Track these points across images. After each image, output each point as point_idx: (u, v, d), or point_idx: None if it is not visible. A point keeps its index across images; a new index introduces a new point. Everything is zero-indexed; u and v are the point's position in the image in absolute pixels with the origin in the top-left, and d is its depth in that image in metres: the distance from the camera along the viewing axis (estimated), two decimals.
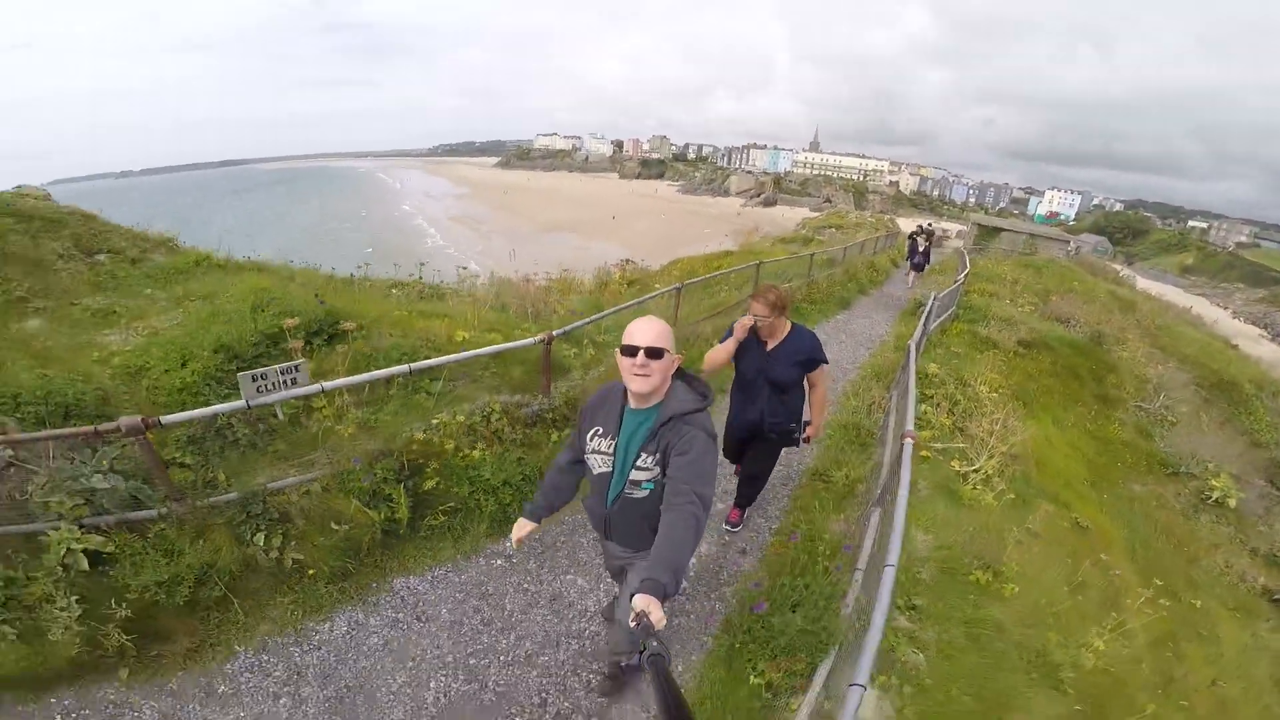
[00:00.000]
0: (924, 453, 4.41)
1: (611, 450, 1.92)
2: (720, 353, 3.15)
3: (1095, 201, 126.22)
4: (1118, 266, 32.34)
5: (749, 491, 3.72)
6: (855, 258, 14.44)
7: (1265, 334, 46.66)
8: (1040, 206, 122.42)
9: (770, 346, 3.15)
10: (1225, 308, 53.85)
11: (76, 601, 2.32)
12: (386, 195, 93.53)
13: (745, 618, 2.80)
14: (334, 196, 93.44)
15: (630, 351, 1.76)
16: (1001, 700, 2.65)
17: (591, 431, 1.97)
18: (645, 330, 1.77)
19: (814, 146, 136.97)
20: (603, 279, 9.11)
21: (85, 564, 2.38)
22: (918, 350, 5.44)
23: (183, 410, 2.96)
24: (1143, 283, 29.22)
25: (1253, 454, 7.61)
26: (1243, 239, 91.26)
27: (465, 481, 3.42)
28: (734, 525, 3.75)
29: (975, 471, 4.44)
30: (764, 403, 3.20)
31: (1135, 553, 5.01)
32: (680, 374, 1.91)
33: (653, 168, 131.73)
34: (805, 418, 3.30)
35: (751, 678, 2.54)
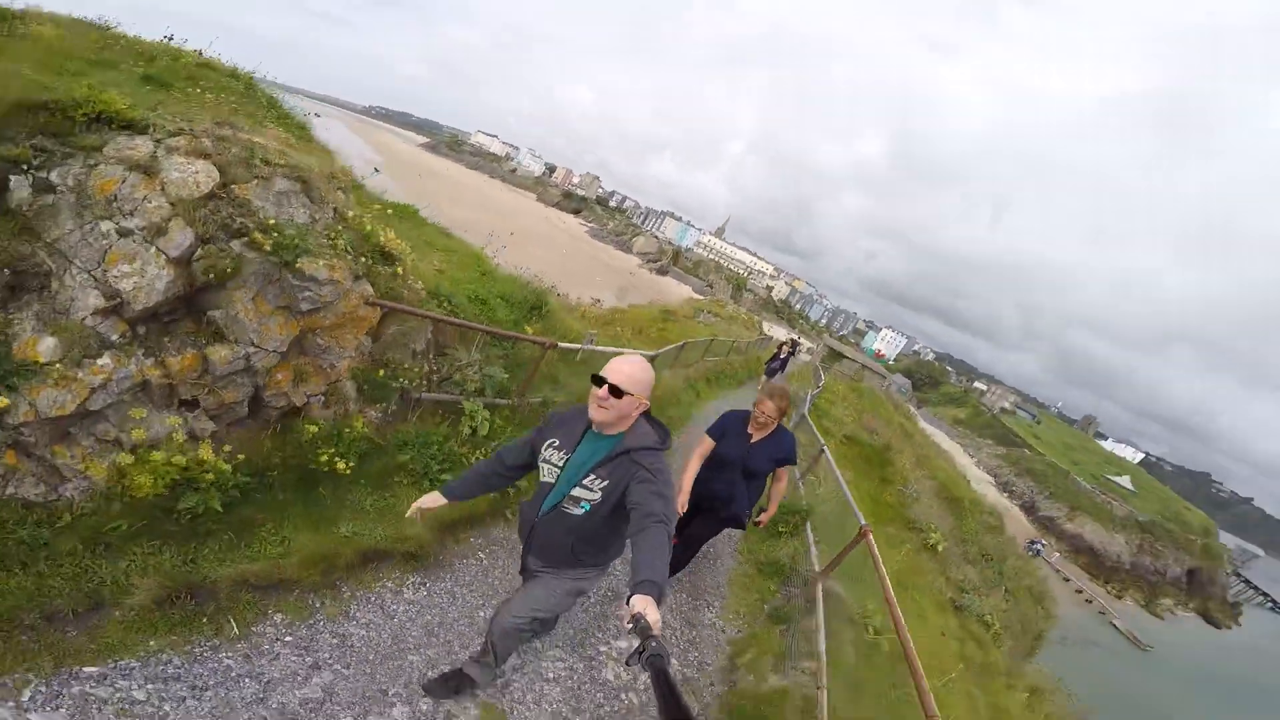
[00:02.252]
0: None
1: (561, 464, 2.01)
2: (692, 468, 3.45)
3: (915, 348, 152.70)
4: (910, 407, 41.19)
5: (685, 556, 3.94)
6: (749, 350, 18.75)
7: (992, 481, 60.80)
8: (875, 342, 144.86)
9: (755, 439, 3.44)
10: (973, 457, 68.55)
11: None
12: None
13: None
14: None
15: (599, 382, 1.87)
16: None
17: (549, 443, 2.06)
18: (619, 370, 1.88)
19: (719, 233, 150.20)
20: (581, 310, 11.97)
21: (486, 430, 4.59)
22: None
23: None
24: (923, 424, 37.33)
25: (955, 529, 12.46)
26: (1006, 405, 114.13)
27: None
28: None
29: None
30: (737, 486, 3.46)
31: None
32: (647, 416, 2.03)
33: (573, 201, 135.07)
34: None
35: None
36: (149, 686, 2.12)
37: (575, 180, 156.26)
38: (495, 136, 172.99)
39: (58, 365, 2.45)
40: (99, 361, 2.55)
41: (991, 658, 8.05)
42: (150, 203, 2.79)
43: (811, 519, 5.77)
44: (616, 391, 1.85)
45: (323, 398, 3.52)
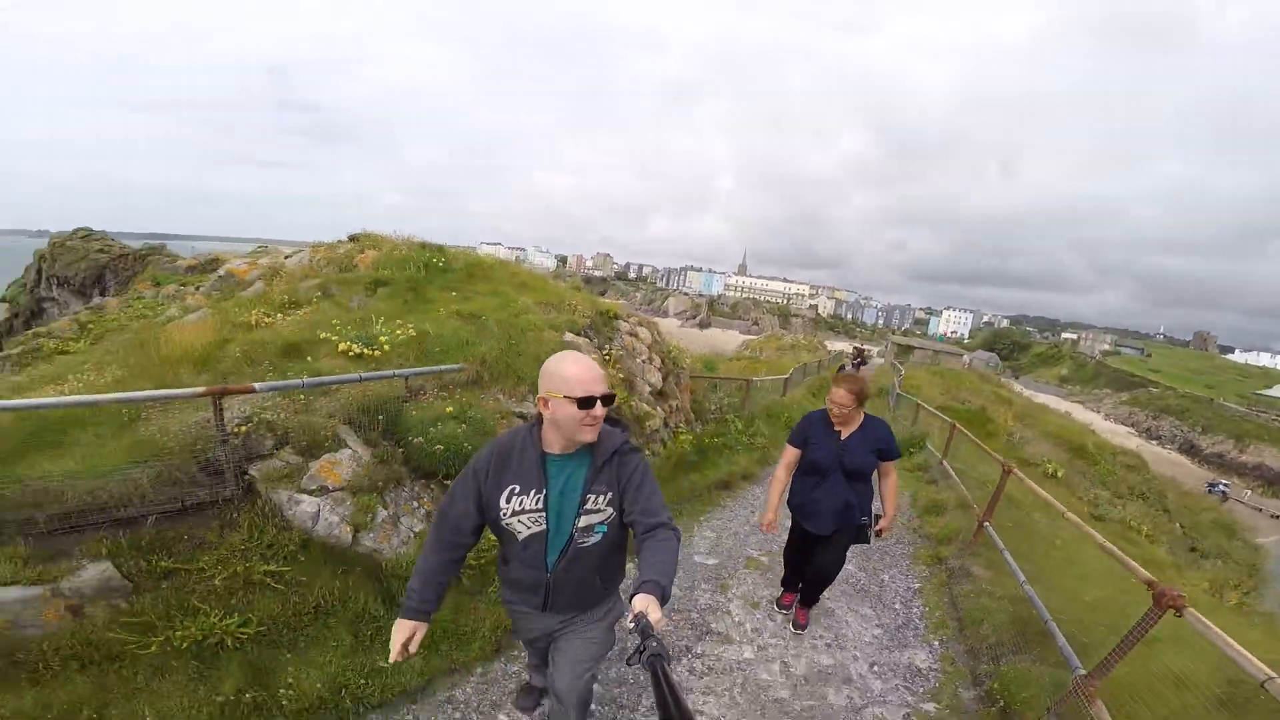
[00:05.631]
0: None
1: (541, 506, 1.80)
2: (780, 479, 3.37)
3: (985, 319, 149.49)
4: (1007, 379, 41.80)
5: (816, 590, 3.69)
6: (833, 364, 21.75)
7: (1134, 431, 58.41)
8: (940, 325, 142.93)
9: (845, 435, 3.21)
10: (1098, 411, 66.23)
11: None
12: None
13: None
14: None
15: (589, 403, 1.69)
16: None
17: (506, 492, 1.80)
18: (598, 377, 1.72)
19: (742, 269, 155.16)
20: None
21: (741, 426, 8.15)
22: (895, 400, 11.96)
23: None
24: (1027, 392, 36.08)
25: (1088, 471, 14.57)
26: (1105, 347, 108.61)
27: None
28: (799, 625, 3.71)
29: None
30: (844, 493, 3.21)
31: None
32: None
33: (595, 285, 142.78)
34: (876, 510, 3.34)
35: None
36: None
37: (589, 264, 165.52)
38: (499, 244, 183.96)
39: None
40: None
41: (1151, 554, 8.49)
42: (642, 348, 6.51)
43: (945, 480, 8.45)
44: (609, 400, 1.74)
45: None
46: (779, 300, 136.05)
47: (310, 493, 3.37)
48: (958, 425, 7.00)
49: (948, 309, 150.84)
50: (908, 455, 8.73)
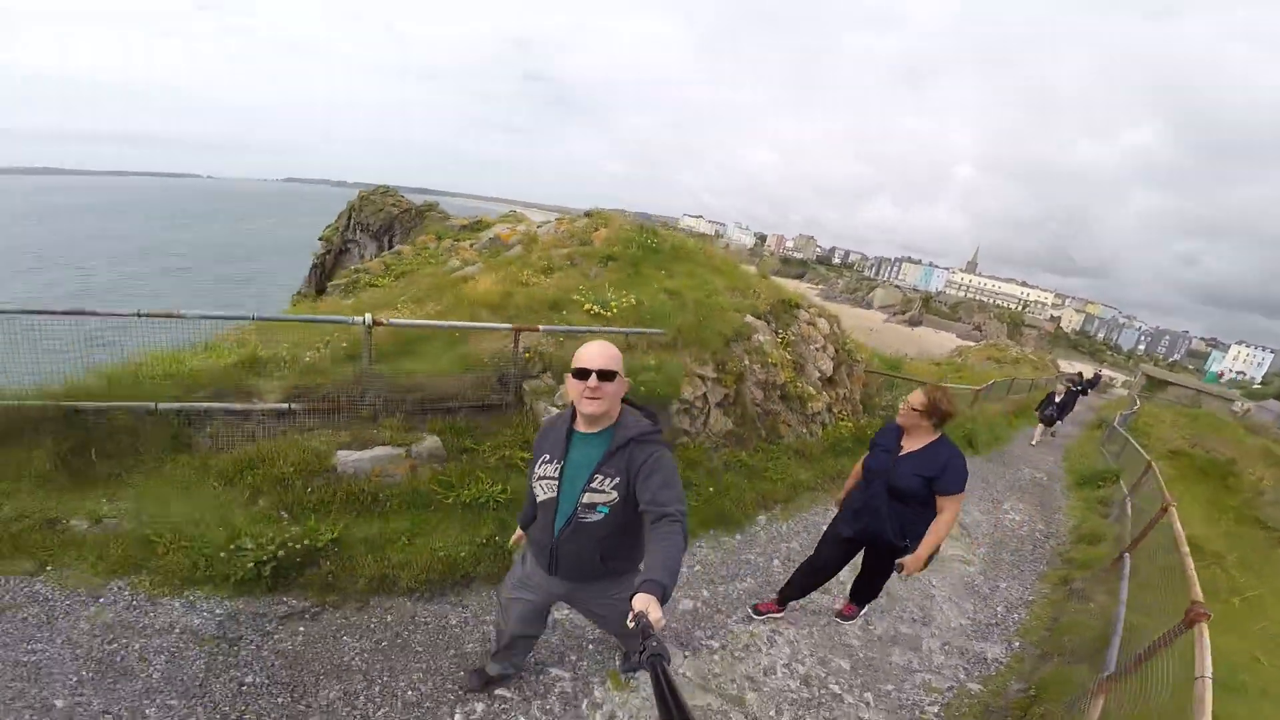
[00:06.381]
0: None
1: (557, 475, 2.04)
2: (855, 473, 3.50)
3: None
4: None
5: (869, 589, 3.75)
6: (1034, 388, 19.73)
7: None
8: (1223, 362, 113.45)
9: (905, 450, 3.09)
10: None
11: None
12: None
13: None
14: None
15: (583, 374, 1.90)
16: None
17: (540, 459, 2.11)
18: (597, 354, 1.92)
19: (971, 266, 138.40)
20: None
21: None
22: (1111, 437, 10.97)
23: None
24: None
25: None
26: None
27: None
28: (848, 616, 3.87)
29: None
30: (880, 504, 3.13)
31: None
32: (628, 401, 2.09)
33: (793, 267, 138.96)
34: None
35: None
36: None
37: (789, 244, 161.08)
38: (700, 217, 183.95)
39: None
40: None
41: None
42: (817, 337, 7.60)
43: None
44: (607, 375, 1.90)
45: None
46: (1013, 305, 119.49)
47: (558, 406, 5.03)
48: (1153, 464, 6.70)
49: (1239, 344, 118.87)
50: (1094, 487, 8.35)
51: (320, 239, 29.44)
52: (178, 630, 3.01)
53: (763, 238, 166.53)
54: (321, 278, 24.41)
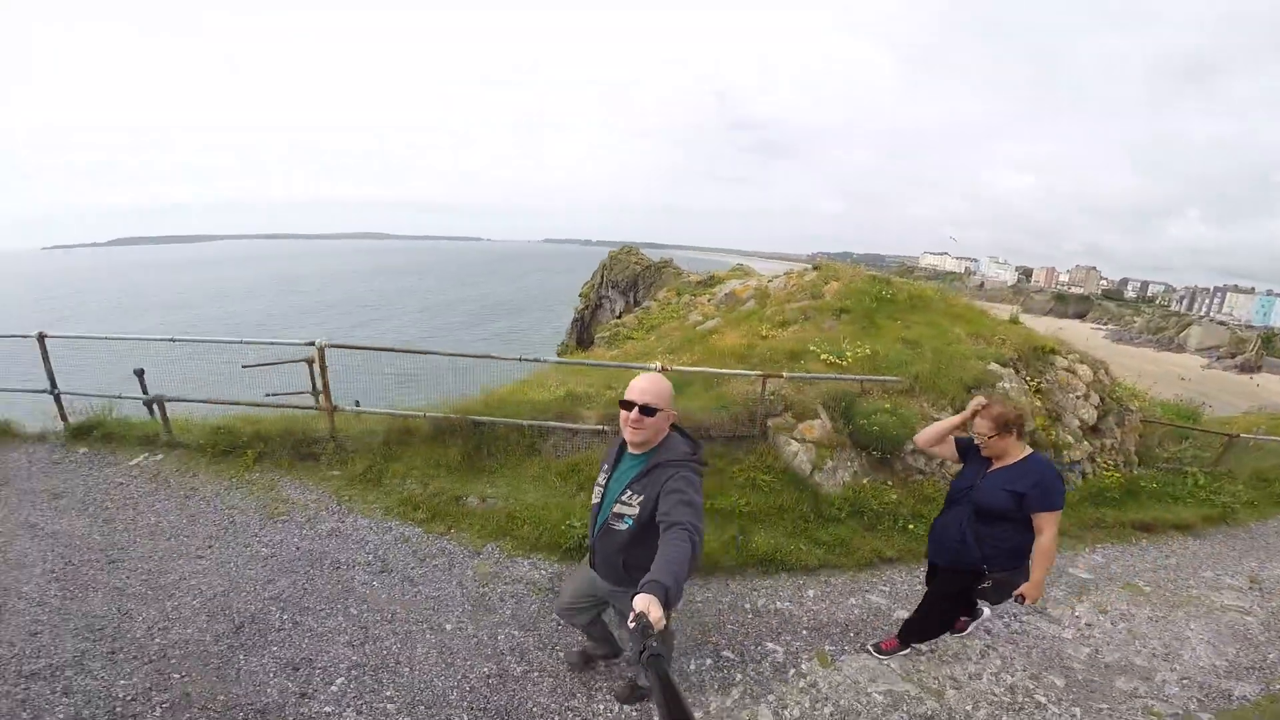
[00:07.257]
0: None
1: (604, 484, 2.38)
2: (933, 430, 3.16)
3: None
4: None
5: (912, 621, 3.55)
6: None
7: None
8: None
9: (994, 467, 2.95)
10: None
11: None
12: None
13: None
14: None
15: (627, 405, 2.15)
16: None
17: (602, 468, 2.47)
18: (644, 389, 2.15)
19: None
20: None
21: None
22: None
23: None
24: None
25: None
26: None
27: None
28: (882, 652, 3.59)
29: None
30: (962, 526, 2.98)
31: None
32: (676, 428, 2.33)
33: (1071, 304, 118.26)
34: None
35: None
36: None
37: (1064, 278, 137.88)
38: (945, 254, 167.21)
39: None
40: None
41: None
42: (1078, 384, 7.44)
43: None
44: (648, 410, 2.10)
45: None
46: None
47: (795, 440, 5.87)
48: None
49: None
50: None
51: (580, 295, 34.60)
52: (524, 582, 4.14)
53: (1027, 272, 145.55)
54: (582, 330, 28.76)
